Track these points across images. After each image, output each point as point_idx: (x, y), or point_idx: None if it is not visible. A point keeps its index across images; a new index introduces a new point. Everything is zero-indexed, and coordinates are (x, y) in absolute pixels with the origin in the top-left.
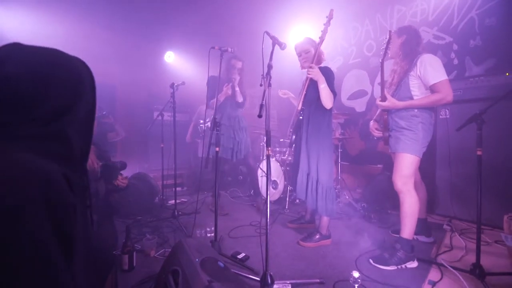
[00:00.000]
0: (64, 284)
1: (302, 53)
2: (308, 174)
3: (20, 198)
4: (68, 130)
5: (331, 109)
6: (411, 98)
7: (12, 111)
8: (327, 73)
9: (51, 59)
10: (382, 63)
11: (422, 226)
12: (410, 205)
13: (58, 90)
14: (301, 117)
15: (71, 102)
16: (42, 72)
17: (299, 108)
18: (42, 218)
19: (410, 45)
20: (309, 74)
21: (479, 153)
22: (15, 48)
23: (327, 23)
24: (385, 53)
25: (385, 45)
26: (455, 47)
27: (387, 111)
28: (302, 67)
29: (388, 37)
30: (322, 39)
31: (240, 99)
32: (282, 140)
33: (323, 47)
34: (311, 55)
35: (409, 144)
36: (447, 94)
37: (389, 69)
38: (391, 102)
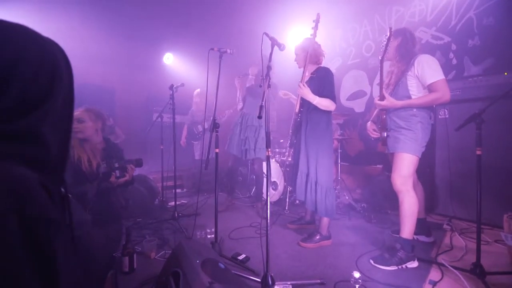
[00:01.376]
0: None
1: (296, 56)
2: (307, 175)
3: None
4: (40, 127)
5: (329, 111)
6: (409, 97)
7: None
8: (326, 75)
9: (21, 38)
10: (381, 61)
11: (422, 226)
12: (410, 205)
13: (27, 76)
14: (299, 119)
15: (43, 94)
16: (8, 53)
17: (297, 110)
18: (12, 234)
19: (406, 47)
20: (298, 92)
21: (478, 152)
22: None
23: (315, 27)
24: (385, 50)
25: (385, 42)
26: (453, 47)
27: (385, 111)
28: (299, 67)
29: (388, 34)
30: (311, 42)
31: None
32: (282, 141)
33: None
34: (301, 58)
35: (408, 144)
36: (444, 93)
37: (385, 71)
38: (390, 101)
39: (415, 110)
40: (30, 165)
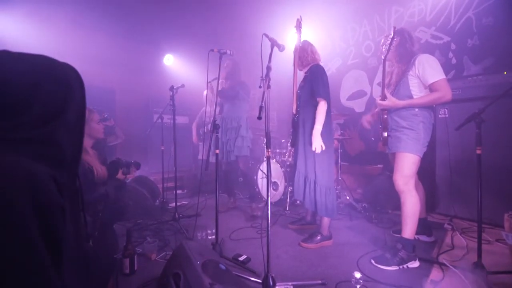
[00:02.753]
0: (51, 283)
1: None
2: (306, 175)
3: (6, 199)
4: (57, 134)
5: (328, 109)
6: (411, 97)
7: None
8: (316, 70)
9: (39, 66)
10: (384, 61)
11: (423, 225)
12: (412, 205)
13: (46, 96)
14: (296, 119)
15: (59, 108)
16: (30, 79)
17: (294, 110)
18: (28, 219)
19: (404, 47)
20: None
21: (478, 152)
22: (4, 55)
23: (298, 32)
24: (389, 49)
25: (389, 40)
26: (453, 46)
27: (387, 110)
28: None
29: (392, 33)
30: (297, 46)
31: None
32: (283, 141)
33: (321, 48)
34: (295, 59)
35: (410, 144)
36: (445, 92)
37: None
38: (392, 101)
39: (417, 109)
40: (47, 163)
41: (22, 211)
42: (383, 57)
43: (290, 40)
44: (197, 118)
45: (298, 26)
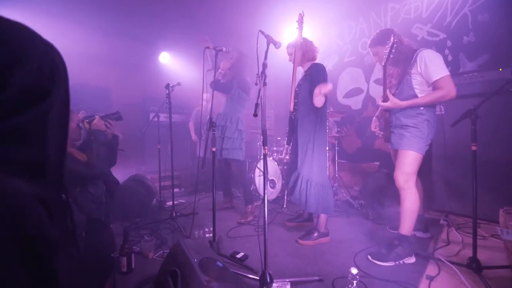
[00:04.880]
0: None
1: (289, 56)
2: (301, 173)
3: None
4: (37, 127)
5: (324, 107)
6: (415, 96)
7: None
8: (317, 69)
9: (18, 33)
10: (384, 67)
11: (419, 222)
12: (411, 202)
13: (29, 68)
14: (293, 117)
15: (44, 90)
16: (13, 44)
17: (291, 108)
18: (13, 260)
19: (396, 50)
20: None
21: (473, 148)
22: None
23: (300, 27)
24: (388, 57)
25: (388, 49)
26: (449, 43)
27: (389, 111)
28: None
29: (391, 41)
30: (297, 42)
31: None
32: (279, 138)
33: (317, 45)
34: (295, 56)
35: (413, 141)
36: (450, 90)
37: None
38: (393, 102)
39: (422, 108)
40: (27, 173)
41: (4, 248)
42: (382, 64)
43: (286, 37)
44: (192, 115)
45: (300, 21)
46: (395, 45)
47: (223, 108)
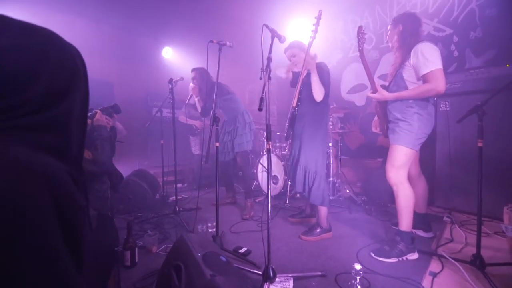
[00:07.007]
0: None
1: (291, 58)
2: (300, 164)
3: (28, 203)
4: (64, 119)
5: (326, 103)
6: (406, 88)
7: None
8: (321, 69)
9: (46, 35)
10: (361, 54)
11: (422, 221)
12: (405, 197)
13: (55, 68)
14: (296, 112)
15: (68, 87)
16: (37, 45)
17: (294, 104)
18: (52, 223)
19: (403, 36)
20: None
21: (480, 144)
22: (2, 19)
23: (317, 24)
24: (361, 48)
25: (357, 38)
26: (455, 39)
27: (380, 103)
28: (296, 69)
29: (358, 32)
30: (312, 39)
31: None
32: (278, 133)
33: (322, 41)
34: (300, 59)
35: (402, 136)
36: (436, 84)
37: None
38: (381, 94)
39: (411, 101)
40: (54, 155)
41: (44, 216)
42: (359, 50)
43: (290, 31)
44: (183, 108)
45: (319, 18)
46: (359, 36)
47: (225, 115)
